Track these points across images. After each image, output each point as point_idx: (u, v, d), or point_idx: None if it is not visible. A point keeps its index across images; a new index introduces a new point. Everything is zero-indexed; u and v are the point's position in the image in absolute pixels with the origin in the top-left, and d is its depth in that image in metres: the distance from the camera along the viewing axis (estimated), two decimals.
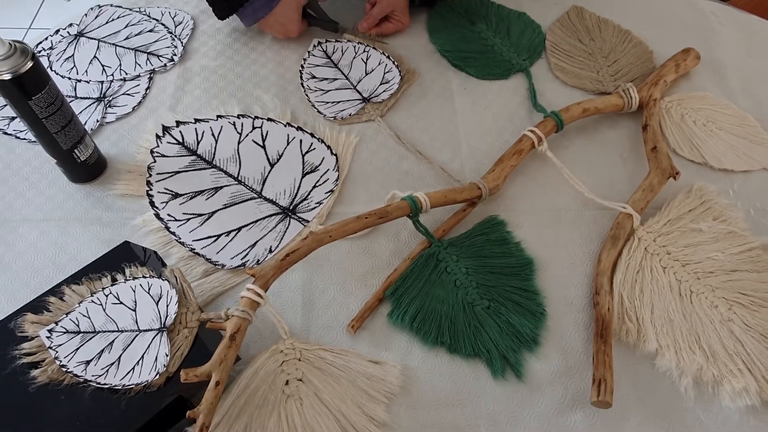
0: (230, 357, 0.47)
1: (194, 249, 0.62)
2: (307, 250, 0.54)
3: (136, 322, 0.48)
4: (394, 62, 0.80)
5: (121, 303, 0.49)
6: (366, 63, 0.80)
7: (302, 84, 0.78)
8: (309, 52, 0.81)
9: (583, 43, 0.83)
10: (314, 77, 0.78)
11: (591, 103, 0.71)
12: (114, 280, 0.51)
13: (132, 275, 0.51)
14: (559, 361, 0.56)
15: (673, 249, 0.62)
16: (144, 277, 0.50)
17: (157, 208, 0.65)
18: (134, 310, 0.49)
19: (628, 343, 0.57)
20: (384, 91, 0.78)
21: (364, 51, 0.81)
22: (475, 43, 0.83)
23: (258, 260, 0.62)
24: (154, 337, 0.47)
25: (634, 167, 0.71)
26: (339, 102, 0.76)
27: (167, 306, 0.49)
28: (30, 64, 0.55)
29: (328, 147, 0.71)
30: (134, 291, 0.50)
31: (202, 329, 0.50)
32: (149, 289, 0.50)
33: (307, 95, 0.77)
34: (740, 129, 0.74)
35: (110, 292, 0.50)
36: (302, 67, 0.79)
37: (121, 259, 0.53)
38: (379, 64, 0.80)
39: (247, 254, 0.62)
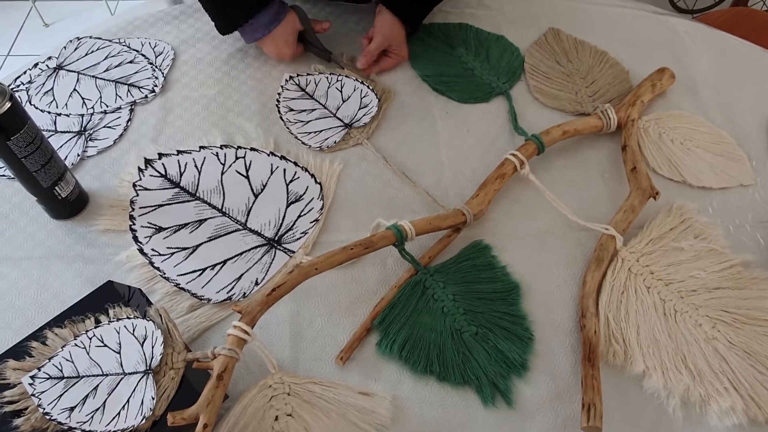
0: (218, 397, 0.47)
1: (179, 284, 0.61)
2: (294, 284, 0.54)
3: (121, 365, 0.48)
4: (368, 86, 0.81)
5: (105, 346, 0.48)
6: (341, 91, 0.80)
7: (281, 118, 0.77)
8: (282, 86, 0.81)
9: (561, 65, 0.85)
10: (292, 110, 0.78)
11: (571, 125, 0.72)
12: (98, 322, 0.50)
13: (116, 316, 0.50)
14: (549, 386, 0.57)
15: (656, 268, 0.63)
16: (128, 317, 0.50)
17: (140, 243, 0.64)
18: (119, 353, 0.48)
19: (615, 365, 0.57)
20: (364, 114, 0.78)
21: (338, 80, 0.82)
22: (456, 67, 0.84)
23: (244, 293, 0.61)
24: (139, 380, 0.47)
25: (616, 186, 0.72)
26: (322, 131, 0.77)
27: (152, 347, 0.48)
28: (8, 105, 0.54)
29: (312, 175, 0.71)
30: (118, 333, 0.49)
31: (189, 369, 0.49)
32: (134, 330, 0.49)
33: (288, 128, 0.76)
34: (717, 146, 0.75)
35: (94, 335, 0.49)
36: (278, 102, 0.79)
37: (105, 299, 0.52)
38: (354, 90, 0.80)
39: (233, 287, 0.62)
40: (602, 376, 0.56)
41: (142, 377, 0.47)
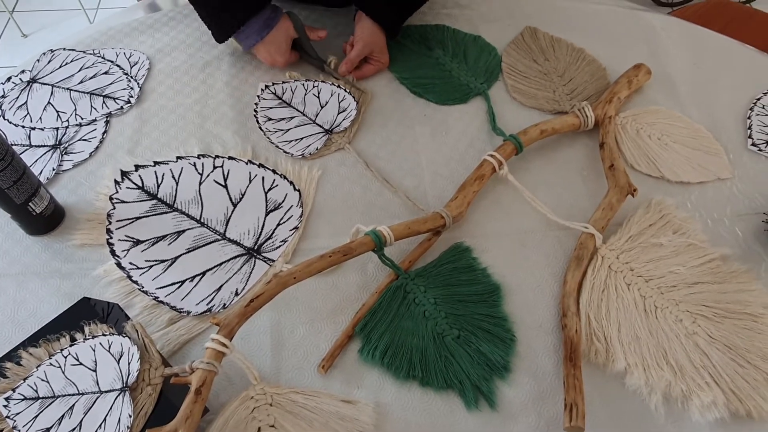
0: (197, 412, 0.46)
1: (158, 297, 0.61)
2: (272, 294, 0.54)
3: (97, 383, 0.47)
4: (345, 89, 0.81)
5: (81, 364, 0.48)
6: (319, 97, 0.80)
7: (261, 128, 0.77)
8: (258, 96, 0.80)
9: (538, 64, 0.85)
10: (270, 119, 0.78)
11: (548, 124, 0.73)
12: (73, 340, 0.50)
13: (91, 333, 0.50)
14: (531, 387, 0.57)
15: (636, 265, 0.63)
16: (104, 334, 0.49)
17: (118, 256, 0.64)
18: (94, 371, 0.47)
19: (597, 363, 0.57)
20: (344, 119, 0.78)
21: (314, 86, 0.81)
22: (433, 69, 0.84)
23: (224, 304, 0.61)
24: (116, 398, 0.46)
25: (595, 184, 0.72)
26: (302, 138, 0.76)
27: (129, 364, 0.47)
28: None
29: (291, 183, 0.71)
30: (94, 350, 0.48)
31: (167, 384, 0.49)
32: (109, 348, 0.48)
33: (269, 138, 0.76)
34: (694, 141, 0.76)
35: (69, 353, 0.48)
36: (255, 112, 0.78)
37: (80, 316, 0.51)
38: (332, 95, 0.80)
39: (212, 299, 0.61)
40: (584, 375, 0.56)
41: (119, 395, 0.46)
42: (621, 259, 0.64)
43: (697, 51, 0.88)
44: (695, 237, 0.66)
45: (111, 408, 0.46)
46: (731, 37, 0.95)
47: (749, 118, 0.79)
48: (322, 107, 0.79)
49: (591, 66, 0.84)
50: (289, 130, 0.77)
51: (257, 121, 0.77)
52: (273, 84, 0.81)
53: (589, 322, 0.59)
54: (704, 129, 0.77)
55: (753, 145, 0.76)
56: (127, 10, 0.96)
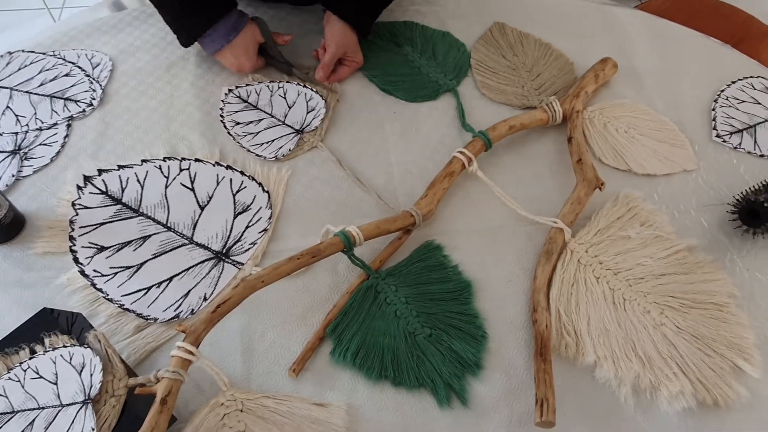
0: (162, 422, 0.45)
1: (123, 305, 0.59)
2: (239, 298, 0.53)
3: (59, 397, 0.46)
4: (311, 88, 0.80)
5: (41, 377, 0.46)
6: (285, 97, 0.79)
7: (229, 133, 0.75)
8: (223, 101, 0.78)
9: (506, 59, 0.85)
10: (238, 123, 0.76)
11: (517, 120, 0.73)
12: (33, 353, 0.48)
13: (52, 345, 0.48)
14: (503, 383, 0.57)
15: (605, 258, 0.64)
16: (65, 346, 0.48)
17: (81, 264, 0.62)
18: (55, 384, 0.46)
19: (568, 357, 0.58)
20: (314, 118, 0.77)
21: (279, 87, 0.80)
22: (402, 66, 0.84)
23: (192, 310, 0.60)
24: (78, 411, 0.45)
25: (564, 179, 0.73)
26: (274, 140, 0.75)
27: (91, 375, 0.46)
28: None
29: (260, 184, 0.70)
30: (54, 362, 0.47)
31: (131, 395, 0.48)
32: (71, 359, 0.47)
33: (239, 143, 0.74)
34: (660, 133, 0.77)
35: (29, 367, 0.47)
36: (222, 117, 0.77)
37: (41, 327, 0.50)
38: (299, 94, 0.79)
39: (180, 305, 0.60)
40: (555, 369, 0.56)
41: (81, 408, 0.45)
42: (590, 252, 0.64)
43: (663, 44, 0.89)
44: (662, 229, 0.67)
45: (73, 422, 0.44)
46: (696, 29, 0.96)
47: (713, 110, 0.80)
48: (290, 107, 0.78)
49: (559, 61, 0.85)
50: (258, 132, 0.76)
51: (225, 126, 0.76)
52: (237, 87, 0.80)
53: (559, 316, 0.60)
54: (670, 122, 0.78)
55: (717, 136, 0.77)
56: (92, 9, 0.93)
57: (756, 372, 0.57)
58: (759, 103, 0.81)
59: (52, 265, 0.63)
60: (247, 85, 0.80)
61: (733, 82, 0.83)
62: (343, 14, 0.79)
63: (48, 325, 0.50)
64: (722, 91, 0.82)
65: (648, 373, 0.56)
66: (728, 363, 0.57)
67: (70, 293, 0.61)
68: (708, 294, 0.62)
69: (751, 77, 0.84)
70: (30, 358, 0.48)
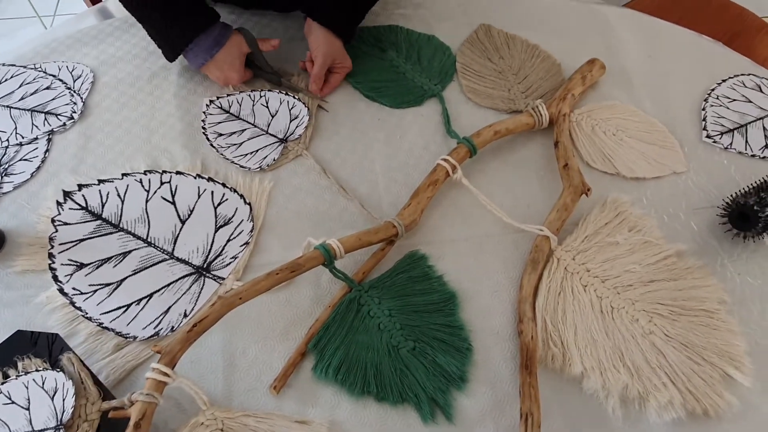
0: None
1: (102, 323, 0.59)
2: (216, 316, 0.52)
3: (30, 423, 0.45)
4: (293, 96, 0.79)
5: (13, 402, 0.46)
6: (267, 106, 0.78)
7: (212, 145, 0.74)
8: (204, 112, 0.77)
9: (492, 62, 0.84)
10: (221, 134, 0.75)
11: (502, 125, 0.71)
12: (5, 377, 0.47)
13: (25, 369, 0.47)
14: (489, 396, 0.56)
15: (592, 265, 0.63)
16: (37, 369, 0.47)
17: (60, 282, 0.61)
18: (27, 409, 0.45)
19: (554, 368, 0.57)
20: (297, 126, 0.76)
21: (261, 96, 0.79)
22: (387, 71, 0.82)
23: (173, 327, 0.59)
24: None
25: (552, 184, 0.71)
26: (257, 150, 0.74)
27: (63, 400, 0.45)
28: None
29: (241, 196, 0.69)
30: (27, 387, 0.46)
31: (105, 420, 0.47)
32: (43, 384, 0.46)
33: (222, 154, 0.73)
34: (649, 135, 0.75)
35: (0, 392, 0.46)
36: (204, 128, 0.76)
37: (14, 350, 0.49)
38: (281, 103, 0.78)
39: (160, 322, 0.59)
40: (542, 380, 0.55)
41: None
42: (577, 260, 0.63)
43: (652, 43, 0.88)
44: (651, 234, 0.66)
45: None
46: (689, 25, 0.95)
47: (704, 109, 0.78)
48: (272, 116, 0.77)
49: (546, 62, 0.83)
50: (242, 143, 0.75)
51: (207, 138, 0.74)
52: (218, 98, 0.79)
53: (546, 326, 0.59)
54: (659, 123, 0.77)
55: (708, 137, 0.76)
56: (78, 18, 0.92)
57: (747, 380, 0.56)
58: (750, 102, 0.79)
59: (32, 283, 0.62)
60: (228, 95, 0.79)
61: (724, 81, 0.82)
62: (325, 21, 0.78)
63: (23, 347, 0.50)
64: (712, 90, 0.81)
65: (636, 383, 0.55)
66: (718, 371, 0.56)
67: (50, 312, 0.60)
68: (698, 300, 0.60)
69: (742, 75, 0.83)
70: (2, 383, 0.47)
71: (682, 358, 0.57)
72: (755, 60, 1.07)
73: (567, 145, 0.71)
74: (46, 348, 0.53)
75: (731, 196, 0.66)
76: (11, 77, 0.81)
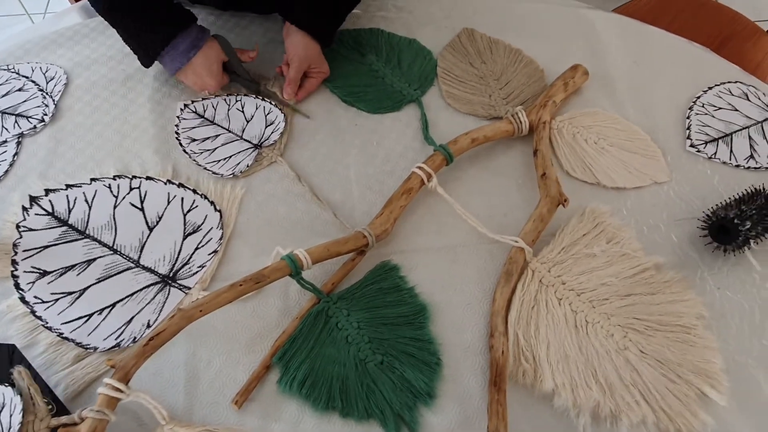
0: None
1: (63, 333, 0.57)
2: (175, 330, 0.50)
3: None
4: (270, 102, 0.77)
5: None
6: (243, 111, 0.76)
7: (185, 151, 0.72)
8: (178, 117, 0.75)
9: (474, 67, 0.82)
10: (194, 140, 0.73)
11: (480, 132, 0.70)
12: None
13: None
14: (457, 413, 0.54)
15: (568, 278, 0.61)
16: None
17: (22, 290, 0.60)
18: None
19: (525, 384, 0.55)
20: (273, 132, 0.74)
21: (237, 101, 0.78)
22: (366, 76, 0.81)
23: (135, 338, 0.57)
24: None
25: (531, 193, 0.70)
26: (231, 156, 0.72)
27: (10, 416, 0.44)
28: None
29: (212, 203, 0.67)
30: None
31: None
32: None
33: (195, 161, 0.71)
34: (631, 143, 0.74)
35: None
36: (177, 133, 0.74)
37: None
38: (257, 108, 0.77)
39: (122, 332, 0.58)
40: (512, 397, 0.54)
41: None
42: (552, 272, 0.62)
43: (638, 49, 0.86)
44: (629, 246, 0.64)
45: None
46: (681, 29, 0.93)
47: (688, 117, 0.77)
48: (247, 122, 0.75)
49: (528, 68, 0.82)
50: (215, 149, 0.73)
51: (180, 144, 0.73)
52: (192, 102, 0.77)
53: (518, 341, 0.57)
54: (642, 131, 0.75)
55: (692, 146, 0.74)
56: (58, 15, 0.91)
57: (723, 400, 0.54)
58: (736, 110, 0.78)
59: None
60: (203, 99, 0.78)
61: (710, 88, 0.80)
62: (303, 25, 0.76)
63: None
64: (698, 97, 0.79)
65: (609, 401, 0.54)
66: (694, 390, 0.55)
67: (10, 321, 0.59)
68: (675, 315, 0.59)
69: (729, 82, 0.81)
70: None
71: (657, 376, 0.55)
72: (747, 64, 1.05)
73: (546, 153, 0.69)
74: (7, 359, 0.52)
75: (712, 208, 0.65)
76: None
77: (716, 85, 0.81)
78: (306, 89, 0.78)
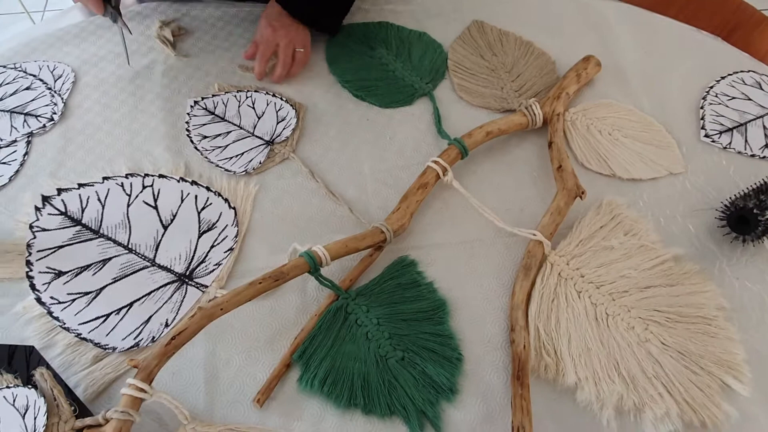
0: None
1: (80, 334, 0.57)
2: (196, 329, 0.50)
3: None
4: (280, 97, 0.77)
5: None
6: (254, 107, 0.76)
7: (197, 148, 0.72)
8: (188, 114, 0.75)
9: (485, 60, 0.81)
10: (206, 137, 0.73)
11: (494, 125, 0.69)
12: None
13: None
14: (480, 408, 0.54)
15: (587, 271, 0.61)
16: (8, 386, 0.45)
17: (38, 291, 0.59)
18: None
19: (548, 378, 0.55)
20: (284, 128, 0.74)
21: (247, 96, 0.77)
22: (376, 70, 0.80)
23: (153, 337, 0.57)
24: None
25: (547, 186, 0.69)
26: (243, 153, 0.72)
27: (35, 418, 0.44)
28: None
29: (226, 200, 0.67)
30: None
31: None
32: (14, 401, 0.45)
33: (207, 158, 0.71)
34: (646, 135, 0.73)
35: None
36: (188, 131, 0.73)
37: None
38: (268, 104, 0.76)
39: (140, 332, 0.57)
40: (534, 391, 0.53)
41: None
42: (571, 265, 0.61)
43: (650, 39, 0.86)
44: (647, 237, 0.64)
45: None
46: (687, 18, 0.92)
47: (702, 107, 0.76)
48: (259, 118, 0.75)
49: (540, 60, 0.81)
50: (227, 146, 0.72)
51: (191, 141, 0.72)
52: (203, 99, 0.76)
53: (539, 335, 0.57)
54: (656, 122, 0.75)
55: (706, 136, 0.73)
56: (63, 13, 0.90)
57: (745, 390, 0.54)
58: (750, 99, 0.77)
59: (8, 291, 0.60)
60: (213, 95, 0.77)
61: (723, 78, 0.80)
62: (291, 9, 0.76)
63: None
64: (711, 87, 0.79)
65: (632, 394, 0.53)
66: (716, 381, 0.54)
67: (27, 322, 0.58)
68: (695, 307, 0.59)
69: (742, 71, 0.81)
70: None
71: (679, 368, 0.55)
72: (755, 54, 1.04)
73: (561, 146, 0.69)
74: (24, 361, 0.51)
75: (730, 198, 0.64)
76: None
77: (729, 75, 0.80)
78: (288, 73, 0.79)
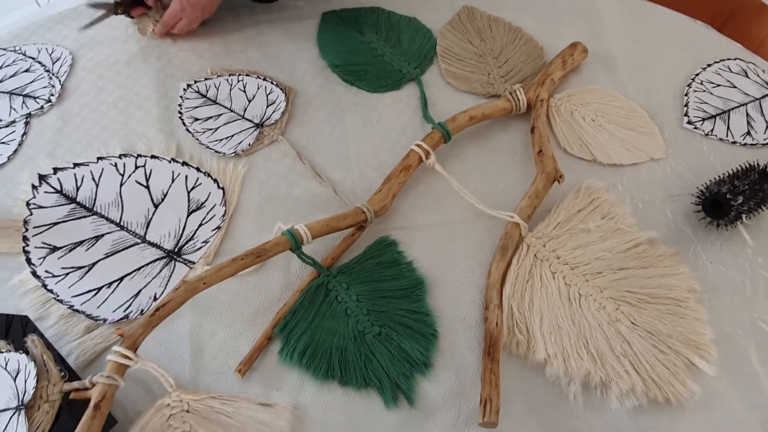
0: (95, 428, 0.45)
1: (73, 306, 0.59)
2: (180, 301, 0.52)
3: None
4: (271, 81, 0.78)
5: None
6: (245, 91, 0.77)
7: (188, 130, 0.74)
8: (181, 96, 0.77)
9: (473, 45, 0.82)
10: (197, 119, 0.75)
11: (478, 110, 0.71)
12: None
13: None
14: (452, 382, 0.56)
15: (563, 252, 0.63)
16: (0, 351, 0.48)
17: (33, 265, 0.62)
18: None
19: (519, 355, 0.57)
20: (274, 111, 0.76)
21: (239, 80, 0.79)
22: (366, 54, 0.82)
23: (142, 310, 0.60)
24: (10, 418, 0.45)
25: (527, 170, 0.71)
26: (233, 135, 0.74)
27: (25, 381, 0.46)
28: None
29: (215, 180, 0.69)
30: None
31: (67, 400, 0.48)
32: (6, 365, 0.47)
33: (198, 140, 0.73)
34: (628, 121, 0.74)
35: None
36: (180, 113, 0.75)
37: None
38: (258, 88, 0.78)
39: (130, 305, 0.60)
40: (506, 367, 0.55)
41: (14, 414, 0.45)
42: (548, 247, 0.63)
43: (638, 26, 0.86)
44: (623, 221, 0.65)
45: (5, 428, 0.45)
46: (685, 6, 0.92)
47: (686, 94, 0.77)
48: (249, 101, 0.77)
49: (527, 46, 0.82)
50: (218, 128, 0.74)
51: (183, 123, 0.74)
52: (195, 82, 0.78)
53: (512, 313, 0.59)
54: (639, 108, 0.76)
55: (689, 123, 0.74)
56: None
57: (711, 369, 0.56)
58: (734, 87, 0.78)
59: (5, 265, 0.63)
60: (206, 79, 0.79)
61: (709, 65, 0.80)
62: None
63: None
64: (697, 74, 0.79)
65: (599, 370, 0.55)
66: (683, 360, 0.56)
67: (23, 294, 0.61)
68: (667, 288, 0.60)
69: (728, 59, 0.81)
70: None
71: (647, 346, 0.57)
72: (752, 41, 1.04)
73: (543, 131, 0.70)
74: (20, 331, 0.54)
75: (705, 184, 0.65)
76: None
77: (715, 62, 0.81)
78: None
